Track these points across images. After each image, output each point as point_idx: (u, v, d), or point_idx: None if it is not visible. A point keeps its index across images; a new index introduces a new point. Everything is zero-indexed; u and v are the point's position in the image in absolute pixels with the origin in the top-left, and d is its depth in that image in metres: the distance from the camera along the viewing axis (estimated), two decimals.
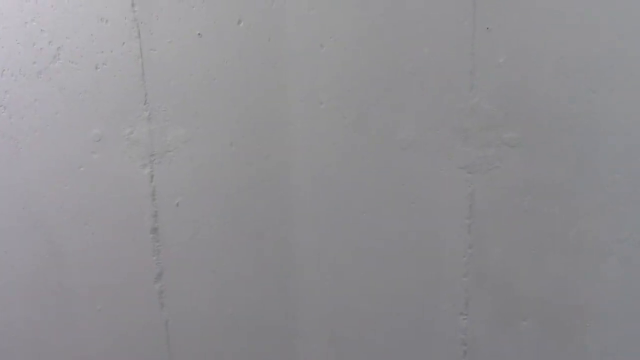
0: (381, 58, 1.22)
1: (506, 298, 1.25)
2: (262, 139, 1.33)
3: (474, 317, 1.28)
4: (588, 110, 1.13)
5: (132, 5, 1.31)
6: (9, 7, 1.38)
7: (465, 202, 1.23)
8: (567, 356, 1.25)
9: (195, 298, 1.44)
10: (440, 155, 1.23)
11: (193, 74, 1.32)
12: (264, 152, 1.33)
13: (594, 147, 1.14)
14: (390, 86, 1.23)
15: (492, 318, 1.27)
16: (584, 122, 1.13)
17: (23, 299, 1.57)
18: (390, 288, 1.32)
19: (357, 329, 1.36)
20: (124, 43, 1.34)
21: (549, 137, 1.16)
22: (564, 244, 1.20)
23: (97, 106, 1.38)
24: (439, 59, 1.19)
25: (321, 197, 1.32)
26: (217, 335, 1.45)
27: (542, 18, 1.12)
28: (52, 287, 1.53)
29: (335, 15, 1.22)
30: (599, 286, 1.20)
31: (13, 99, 1.43)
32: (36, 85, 1.41)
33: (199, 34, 1.30)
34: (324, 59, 1.25)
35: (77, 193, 1.45)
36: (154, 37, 1.32)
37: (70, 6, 1.35)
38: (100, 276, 1.49)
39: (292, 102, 1.29)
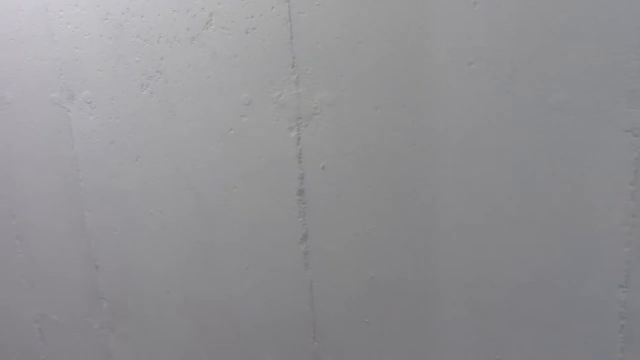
0: (537, 14, 1.15)
1: None
2: (407, 102, 1.31)
3: (635, 290, 1.20)
4: None
5: None
6: None
7: (629, 167, 1.15)
8: None
9: (339, 260, 1.46)
10: (600, 117, 1.15)
11: (339, 37, 1.32)
12: (410, 115, 1.31)
13: None
14: (546, 44, 1.16)
15: None
16: None
17: (176, 255, 1.67)
18: (540, 257, 1.27)
19: (501, 297, 1.32)
20: (273, 7, 1.36)
21: None
22: None
23: (246, 70, 1.42)
24: (604, 13, 1.11)
25: (468, 161, 1.28)
26: (358, 298, 1.47)
27: None
28: (203, 246, 1.62)
29: None
30: None
31: (168, 64, 1.51)
32: (190, 51, 1.47)
33: None
34: (476, 16, 1.21)
35: (226, 155, 1.51)
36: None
37: None
38: (248, 236, 1.55)
39: (440, 63, 1.26)
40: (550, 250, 1.25)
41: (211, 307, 1.66)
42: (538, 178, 1.23)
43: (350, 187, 1.40)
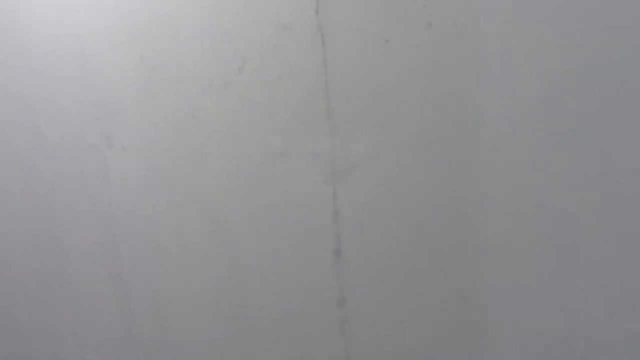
0: (603, 57, 0.97)
1: None
2: (453, 155, 1.16)
3: None
4: None
5: (316, 12, 1.22)
6: (197, 20, 1.37)
7: None
8: None
9: (378, 328, 1.32)
10: None
11: (378, 83, 1.20)
12: (456, 169, 1.16)
13: None
14: (618, 89, 0.97)
15: None
16: None
17: (210, 312, 1.59)
18: (607, 320, 1.08)
19: None
20: (307, 51, 1.25)
21: None
22: None
23: (279, 119, 1.32)
24: None
25: (521, 224, 1.11)
26: None
27: None
28: (237, 303, 1.53)
29: (541, 8, 1.00)
30: None
31: (202, 110, 1.44)
32: (223, 97, 1.40)
33: (385, 40, 1.16)
34: (525, 59, 1.04)
35: (260, 209, 1.41)
36: (338, 44, 1.21)
37: (254, 15, 1.29)
38: (281, 297, 1.44)
39: (487, 111, 1.10)
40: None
41: None
42: (611, 246, 1.05)
43: (391, 248, 1.27)
